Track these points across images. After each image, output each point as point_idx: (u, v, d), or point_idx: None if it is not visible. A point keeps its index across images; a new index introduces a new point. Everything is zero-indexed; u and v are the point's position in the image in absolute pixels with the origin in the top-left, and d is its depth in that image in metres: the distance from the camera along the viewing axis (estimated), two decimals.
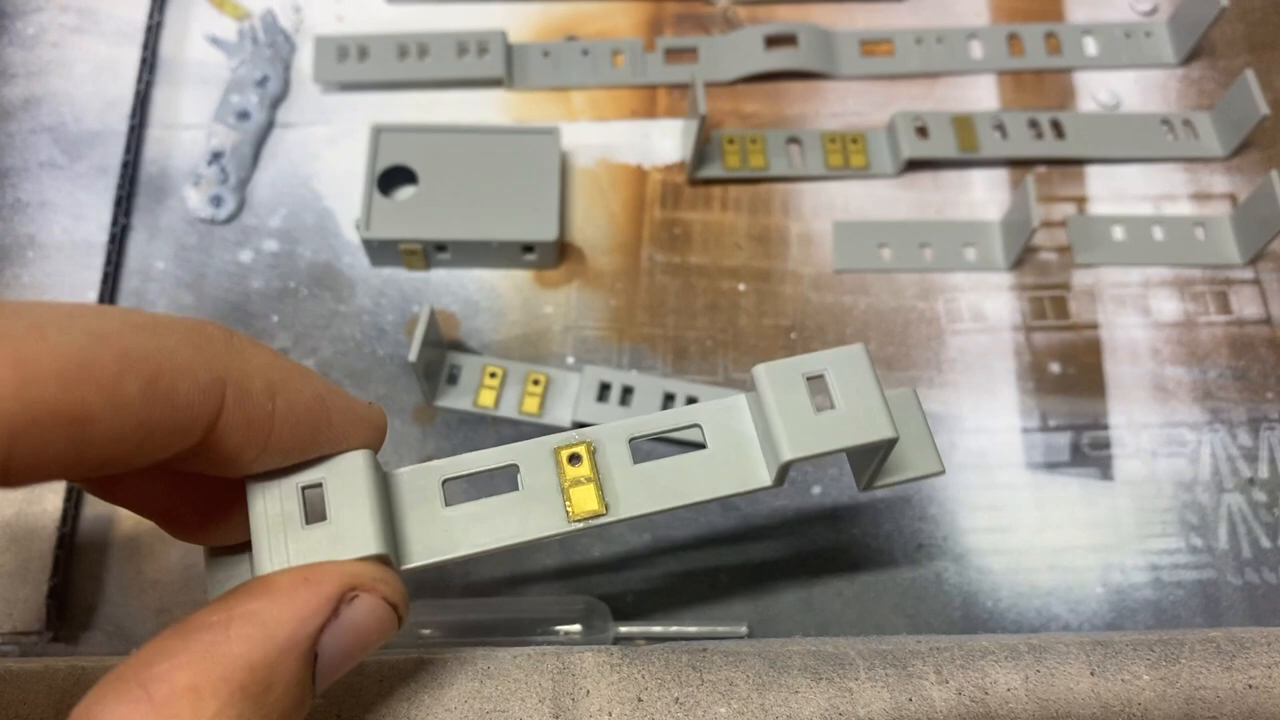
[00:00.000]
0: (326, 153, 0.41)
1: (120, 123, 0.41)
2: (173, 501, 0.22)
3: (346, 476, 0.21)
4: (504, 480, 0.22)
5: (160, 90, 0.42)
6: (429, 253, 0.38)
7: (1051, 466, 0.37)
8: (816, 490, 0.36)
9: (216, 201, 0.40)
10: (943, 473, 0.24)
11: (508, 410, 0.37)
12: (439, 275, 0.39)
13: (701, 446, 0.22)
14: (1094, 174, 0.41)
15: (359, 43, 0.42)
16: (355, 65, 0.42)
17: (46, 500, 0.35)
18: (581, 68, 0.42)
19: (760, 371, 0.21)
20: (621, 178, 0.41)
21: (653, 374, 0.37)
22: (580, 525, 0.21)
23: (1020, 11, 0.44)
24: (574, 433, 0.22)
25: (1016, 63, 0.42)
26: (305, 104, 0.42)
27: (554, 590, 0.35)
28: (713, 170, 0.40)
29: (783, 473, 0.21)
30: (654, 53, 0.43)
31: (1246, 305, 0.39)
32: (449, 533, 0.22)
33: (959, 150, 0.40)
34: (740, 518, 0.35)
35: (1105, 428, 0.37)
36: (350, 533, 0.20)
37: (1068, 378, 0.38)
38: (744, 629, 0.34)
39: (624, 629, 0.33)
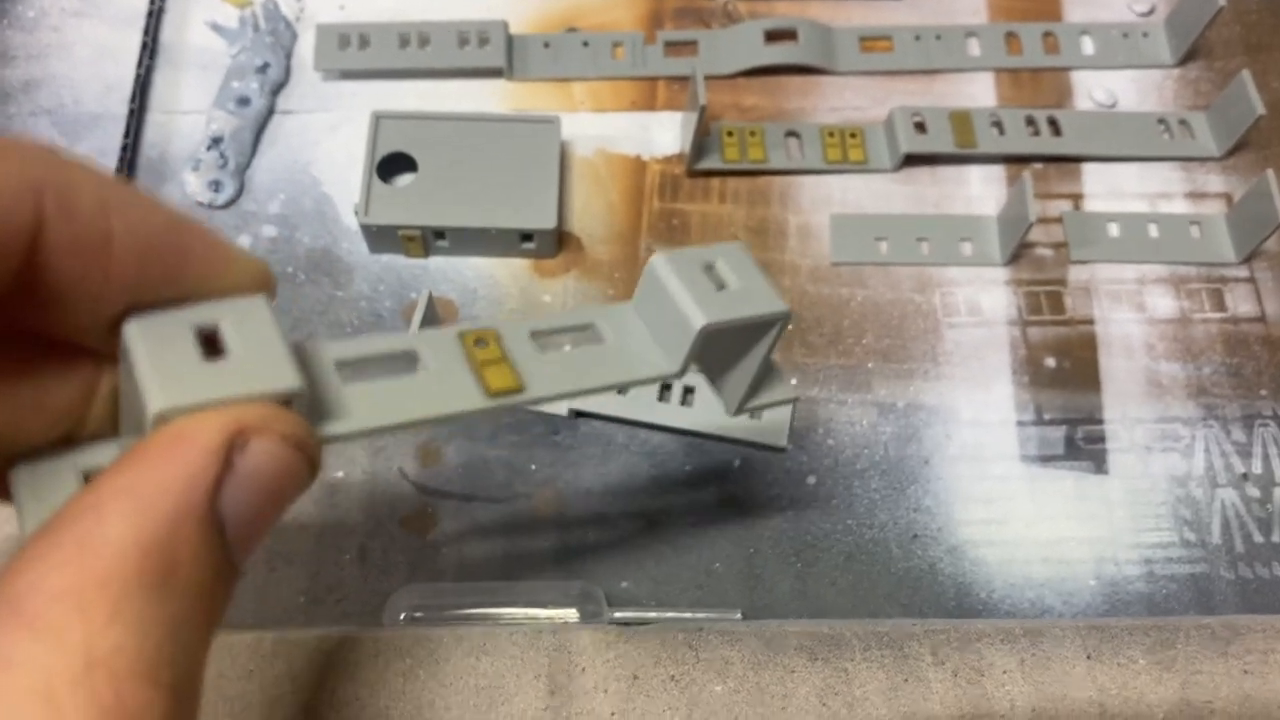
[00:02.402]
0: (326, 140, 0.41)
1: (120, 106, 0.41)
2: None
3: (247, 315, 0.18)
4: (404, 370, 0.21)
5: (161, 75, 0.42)
6: (427, 239, 0.38)
7: (1046, 460, 0.37)
8: (811, 480, 0.36)
9: (215, 186, 0.40)
10: (787, 312, 0.24)
11: None
12: (437, 263, 0.39)
13: None
14: (1090, 172, 0.41)
15: (360, 31, 0.42)
16: (356, 53, 0.42)
17: None
18: (582, 59, 0.42)
19: (659, 260, 0.23)
20: (621, 168, 0.41)
21: None
22: (497, 401, 0.21)
23: (1018, 10, 0.44)
24: (472, 325, 0.22)
25: (1014, 61, 0.43)
26: (306, 91, 0.42)
27: (548, 578, 0.35)
28: (712, 162, 0.40)
29: (693, 352, 0.23)
30: (654, 45, 0.43)
31: (1241, 303, 0.39)
32: (360, 407, 0.19)
33: (956, 146, 0.40)
34: (736, 508, 0.35)
35: (1100, 422, 0.37)
36: (259, 367, 0.17)
37: (1063, 372, 0.38)
38: (737, 614, 0.34)
39: (618, 615, 0.33)
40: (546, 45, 0.43)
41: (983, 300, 0.39)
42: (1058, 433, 0.37)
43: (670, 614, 0.33)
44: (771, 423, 0.35)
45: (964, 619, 0.29)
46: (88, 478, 0.18)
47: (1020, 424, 0.37)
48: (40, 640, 0.14)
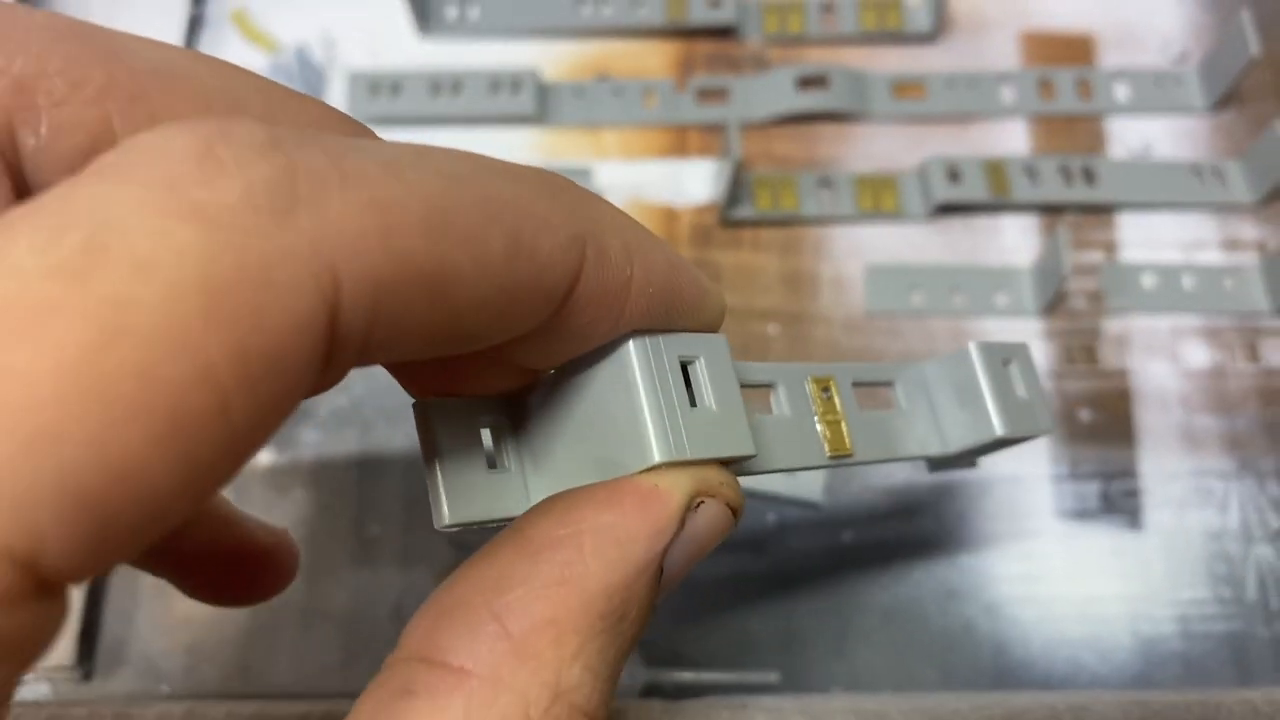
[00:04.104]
0: None
1: None
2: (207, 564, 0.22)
3: (715, 358, 0.18)
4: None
5: None
6: None
7: (1081, 515, 0.37)
8: (847, 536, 0.36)
9: None
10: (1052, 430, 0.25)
11: None
12: None
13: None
14: (1124, 220, 0.41)
15: (392, 79, 0.42)
16: (388, 101, 0.42)
17: None
18: (613, 106, 0.42)
19: (975, 347, 0.23)
20: (652, 218, 0.41)
21: None
22: (833, 463, 0.21)
23: (1051, 56, 0.44)
24: (819, 365, 0.21)
25: (1047, 107, 0.43)
26: None
27: None
28: (744, 211, 0.40)
29: (976, 449, 0.23)
30: (685, 92, 0.43)
31: (1276, 354, 0.39)
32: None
33: (990, 195, 0.40)
34: (771, 563, 0.36)
35: (1134, 476, 0.37)
36: (725, 426, 0.18)
37: (1097, 425, 0.38)
38: (774, 676, 0.34)
39: (657, 675, 0.33)
40: (577, 93, 0.43)
41: None
42: (1092, 487, 0.37)
43: (707, 675, 0.33)
44: (808, 481, 0.35)
45: (1009, 692, 0.29)
46: (493, 433, 0.19)
47: (1055, 478, 0.37)
48: (525, 665, 0.15)
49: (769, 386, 0.20)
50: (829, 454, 0.20)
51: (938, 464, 0.25)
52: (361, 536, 0.36)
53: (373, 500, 0.37)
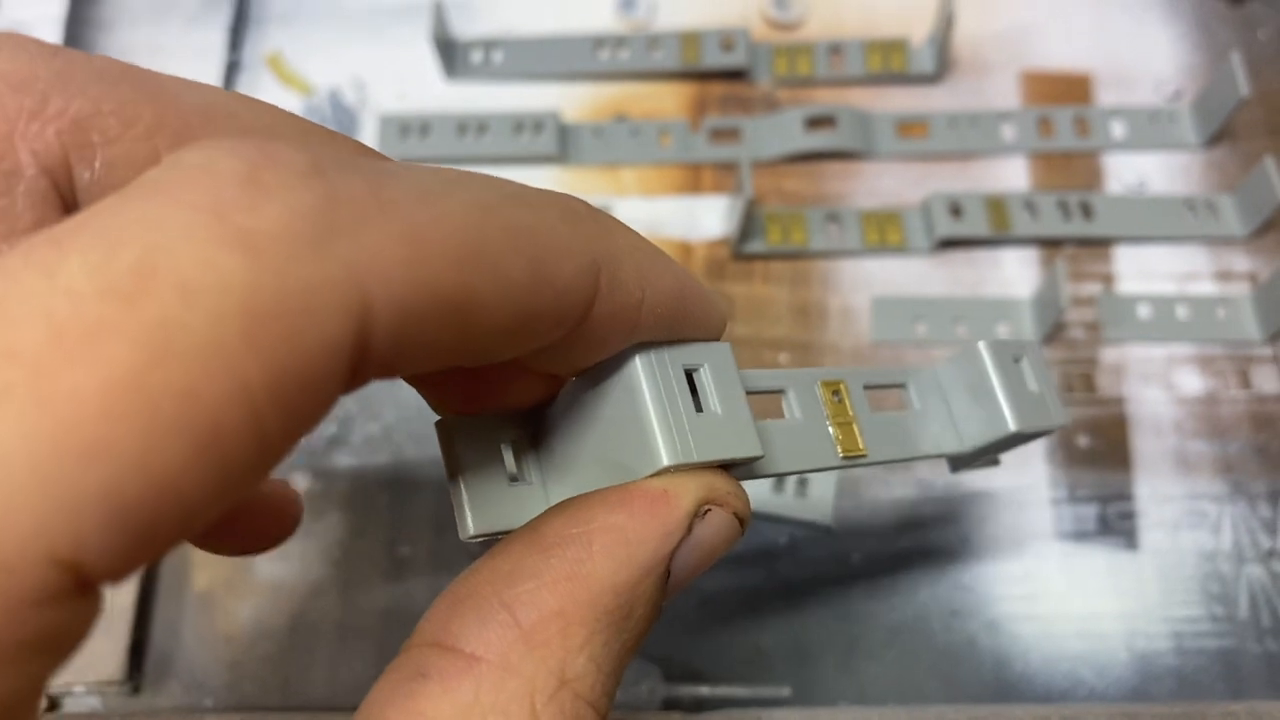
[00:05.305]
0: None
1: None
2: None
3: (719, 365, 0.19)
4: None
5: None
6: None
7: (1080, 536, 0.38)
8: (856, 558, 0.38)
9: None
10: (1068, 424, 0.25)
11: None
12: None
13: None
14: (1121, 252, 0.43)
15: (421, 120, 0.44)
16: (418, 141, 0.44)
17: None
18: (630, 146, 0.44)
19: (985, 346, 0.23)
20: (668, 252, 0.43)
21: None
22: (847, 464, 0.21)
23: (1050, 95, 0.46)
24: (829, 370, 0.22)
25: (1046, 144, 0.44)
26: None
27: None
28: (756, 245, 0.42)
29: (991, 445, 0.23)
30: (699, 133, 0.45)
31: (1266, 381, 0.41)
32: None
33: (991, 229, 0.42)
34: (783, 585, 0.37)
35: (1130, 499, 0.39)
36: (731, 429, 0.18)
37: (1095, 451, 0.40)
38: (786, 691, 0.36)
39: (674, 691, 0.35)
40: (597, 133, 0.45)
41: None
42: (1091, 510, 0.39)
43: (722, 690, 0.35)
44: (818, 502, 0.37)
45: (1003, 705, 0.31)
46: (513, 449, 0.20)
47: (1054, 502, 0.39)
48: (533, 652, 0.16)
49: (780, 393, 0.21)
50: (841, 455, 0.21)
51: (959, 464, 0.26)
52: (394, 556, 0.38)
53: (404, 522, 0.39)
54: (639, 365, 0.18)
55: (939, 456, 0.24)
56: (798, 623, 0.37)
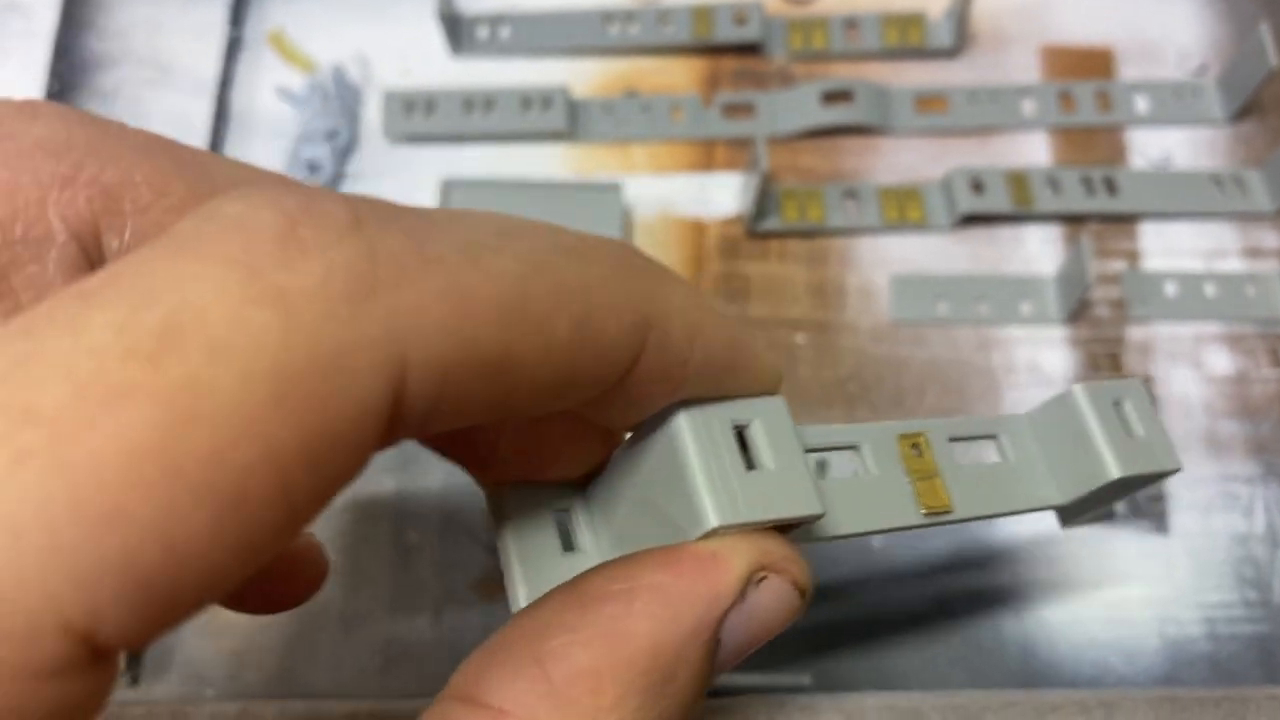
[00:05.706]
0: None
1: None
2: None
3: (773, 420, 0.18)
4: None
5: (232, 141, 0.43)
6: None
7: (1108, 519, 0.37)
8: (878, 543, 0.37)
9: None
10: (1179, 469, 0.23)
11: None
12: None
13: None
14: (1146, 229, 0.42)
15: (426, 97, 0.43)
16: (423, 119, 0.43)
17: None
18: (641, 122, 0.43)
19: (1080, 390, 0.22)
20: (680, 232, 0.42)
21: None
22: (929, 521, 0.20)
23: (1071, 69, 0.45)
24: (908, 423, 0.21)
25: (1068, 119, 0.43)
26: (374, 156, 0.43)
27: None
28: (771, 223, 0.41)
29: (1093, 495, 0.22)
30: (712, 108, 0.44)
31: None
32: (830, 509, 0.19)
33: (1013, 205, 0.41)
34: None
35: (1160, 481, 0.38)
36: (787, 487, 0.18)
37: None
38: (806, 678, 0.34)
39: None
40: (606, 109, 0.43)
41: (1042, 359, 0.39)
42: None
43: (742, 677, 0.34)
44: None
45: (1037, 689, 0.30)
46: (567, 516, 0.20)
47: None
48: (560, 711, 0.15)
49: (852, 448, 0.20)
50: (923, 512, 0.20)
51: (1068, 516, 0.24)
52: (400, 543, 0.37)
53: (411, 509, 0.38)
54: (683, 421, 0.17)
55: (1037, 510, 0.23)
56: (818, 609, 0.36)
